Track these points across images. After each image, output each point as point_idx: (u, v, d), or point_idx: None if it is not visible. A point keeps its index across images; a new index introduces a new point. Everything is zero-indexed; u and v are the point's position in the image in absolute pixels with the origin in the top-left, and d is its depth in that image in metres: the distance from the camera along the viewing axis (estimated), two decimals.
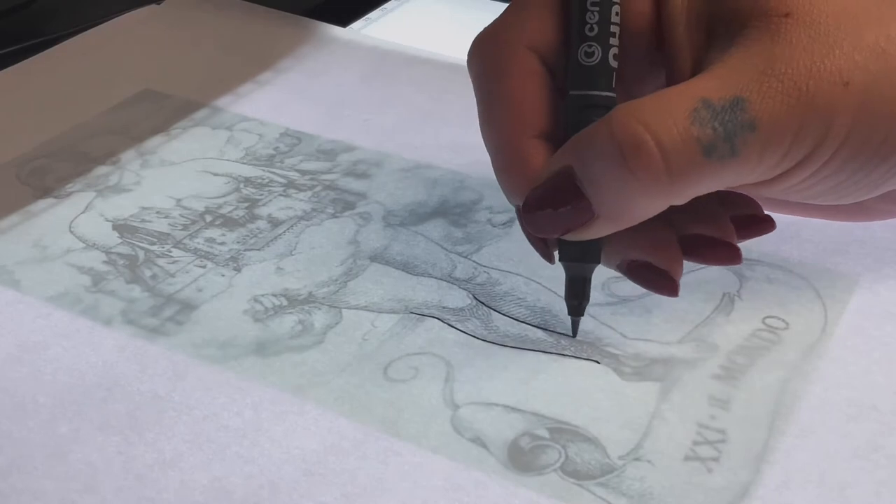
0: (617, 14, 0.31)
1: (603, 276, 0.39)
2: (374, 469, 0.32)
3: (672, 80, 0.31)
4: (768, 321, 0.37)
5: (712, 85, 0.28)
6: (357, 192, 0.45)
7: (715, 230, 0.33)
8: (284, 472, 0.32)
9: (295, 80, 0.54)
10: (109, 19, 0.60)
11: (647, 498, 0.31)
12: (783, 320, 0.37)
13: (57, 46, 0.57)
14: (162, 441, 0.33)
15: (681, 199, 0.29)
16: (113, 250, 0.42)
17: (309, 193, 0.45)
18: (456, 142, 0.48)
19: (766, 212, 0.34)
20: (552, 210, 0.30)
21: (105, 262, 0.41)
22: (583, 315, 0.34)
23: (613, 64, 0.31)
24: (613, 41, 0.31)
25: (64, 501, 0.31)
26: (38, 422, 0.34)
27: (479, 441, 0.33)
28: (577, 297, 0.33)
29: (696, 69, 0.30)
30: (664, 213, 0.30)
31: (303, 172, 0.46)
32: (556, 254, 0.33)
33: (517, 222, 0.42)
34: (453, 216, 0.43)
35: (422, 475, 0.32)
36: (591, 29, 0.30)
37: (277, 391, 0.35)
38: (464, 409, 0.34)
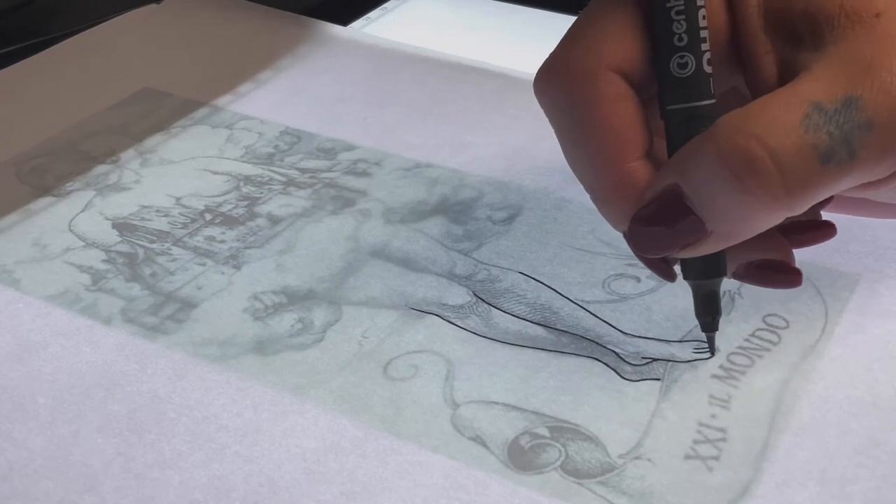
0: (704, 18, 0.29)
1: (603, 273, 0.39)
2: (373, 468, 0.32)
3: (755, 84, 0.30)
4: (769, 320, 0.37)
5: (819, 87, 0.27)
6: (357, 190, 0.45)
7: (771, 251, 0.31)
8: (284, 471, 0.32)
9: (295, 79, 0.54)
10: (109, 19, 0.60)
11: (648, 496, 0.31)
12: (784, 319, 0.37)
13: (57, 46, 0.57)
14: (162, 441, 0.33)
15: (800, 210, 0.28)
16: (112, 249, 0.42)
17: (309, 191, 0.45)
18: (456, 140, 0.48)
19: (825, 215, 0.32)
20: (662, 229, 0.29)
21: (105, 260, 0.41)
22: (717, 330, 0.32)
23: (708, 70, 0.29)
24: (705, 47, 0.29)
25: (64, 501, 0.31)
26: (37, 422, 0.34)
27: (479, 440, 0.33)
28: (710, 312, 0.31)
29: (784, 72, 0.29)
30: None
31: (302, 171, 0.46)
32: (678, 270, 0.32)
33: (517, 219, 0.42)
34: (453, 214, 0.43)
35: (422, 474, 0.32)
36: (681, 39, 0.29)
37: (277, 390, 0.35)
38: (464, 407, 0.34)
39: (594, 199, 0.31)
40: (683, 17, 0.29)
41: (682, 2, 0.29)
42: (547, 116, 0.31)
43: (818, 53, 0.28)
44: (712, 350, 0.33)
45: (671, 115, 0.30)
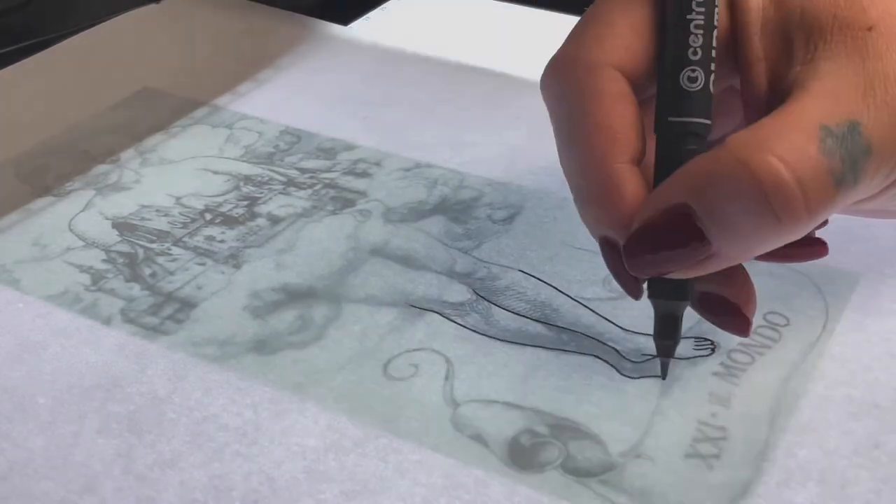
0: (716, 38, 0.29)
1: (603, 271, 0.39)
2: (374, 467, 0.32)
3: (747, 90, 0.30)
4: (769, 317, 0.37)
5: (823, 108, 0.27)
6: (357, 191, 0.45)
7: (734, 289, 0.31)
8: (284, 470, 0.32)
9: (295, 79, 0.54)
10: (108, 19, 0.60)
11: (648, 495, 0.31)
12: (784, 316, 0.37)
13: (57, 46, 0.57)
14: (162, 441, 0.33)
15: (803, 234, 0.28)
16: (112, 248, 0.42)
17: (309, 191, 0.45)
18: (456, 140, 0.48)
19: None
20: (664, 249, 0.28)
21: (104, 260, 0.41)
22: (673, 356, 0.31)
23: (712, 89, 0.29)
24: (713, 66, 0.29)
25: (64, 501, 0.31)
26: (37, 422, 0.34)
27: (479, 438, 0.33)
28: (670, 336, 0.31)
29: (774, 82, 0.29)
30: None
31: (302, 171, 0.46)
32: (644, 289, 0.31)
33: (517, 218, 0.42)
34: (453, 213, 0.43)
35: (422, 473, 0.32)
36: (695, 53, 0.29)
37: (277, 389, 0.35)
38: (464, 406, 0.34)
39: (577, 200, 0.30)
40: (702, 31, 0.29)
41: (702, 17, 0.29)
42: (548, 110, 0.31)
43: (811, 67, 0.28)
44: (664, 375, 0.32)
45: (669, 127, 0.29)
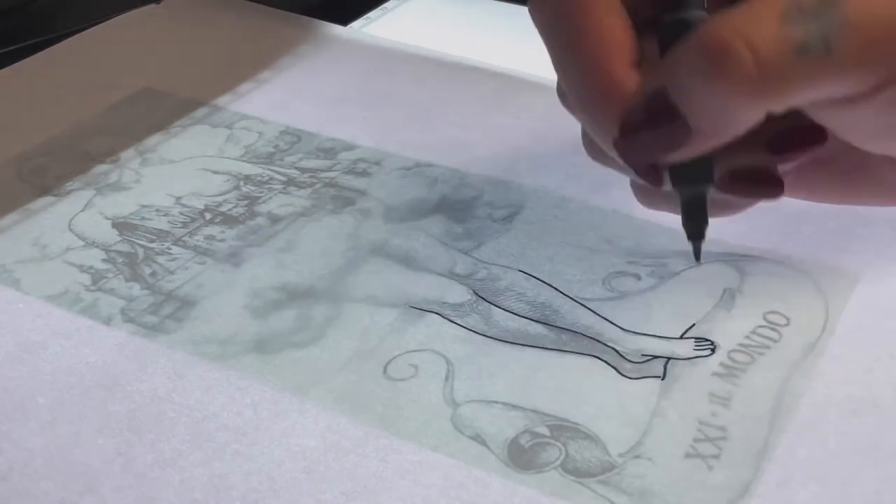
0: None
1: (603, 271, 0.39)
2: (374, 467, 0.32)
3: None
4: (769, 317, 0.37)
5: None
6: (357, 190, 0.45)
7: (755, 160, 0.32)
8: (284, 470, 0.32)
9: (295, 79, 0.54)
10: (109, 18, 0.60)
11: (648, 495, 0.31)
12: (784, 316, 0.37)
13: (57, 46, 0.57)
14: (162, 440, 0.33)
15: (777, 105, 0.28)
16: (112, 248, 0.42)
17: (309, 191, 0.45)
18: (456, 140, 0.48)
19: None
20: (649, 132, 0.29)
21: (104, 260, 0.41)
22: (704, 238, 0.32)
23: None
24: None
25: (64, 501, 0.31)
26: (37, 422, 0.34)
27: (479, 439, 0.33)
28: (695, 219, 0.32)
29: None
30: None
31: (302, 170, 0.46)
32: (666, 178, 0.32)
33: (517, 218, 0.42)
34: (453, 212, 0.43)
35: (422, 473, 0.32)
36: None
37: (277, 389, 0.35)
38: (464, 406, 0.34)
39: (583, 109, 0.31)
40: None
41: None
42: (540, 33, 0.32)
43: None
44: (698, 257, 0.33)
45: (666, 27, 0.31)
